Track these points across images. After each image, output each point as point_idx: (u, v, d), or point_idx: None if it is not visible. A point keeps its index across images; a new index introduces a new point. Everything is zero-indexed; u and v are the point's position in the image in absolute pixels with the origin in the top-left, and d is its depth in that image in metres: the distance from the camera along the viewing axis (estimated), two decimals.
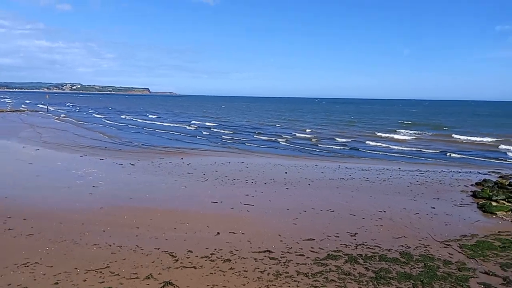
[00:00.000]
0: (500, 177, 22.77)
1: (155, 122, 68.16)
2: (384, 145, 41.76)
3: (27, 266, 9.64)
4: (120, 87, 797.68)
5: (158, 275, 9.38)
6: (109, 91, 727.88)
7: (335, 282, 9.24)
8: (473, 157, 34.05)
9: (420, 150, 37.93)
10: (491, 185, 19.85)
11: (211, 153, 32.40)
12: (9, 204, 14.93)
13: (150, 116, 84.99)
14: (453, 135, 51.44)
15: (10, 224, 12.58)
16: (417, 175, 23.19)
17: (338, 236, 12.44)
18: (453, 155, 35.09)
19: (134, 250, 10.89)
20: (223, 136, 47.47)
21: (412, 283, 9.24)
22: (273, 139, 45.99)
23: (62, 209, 14.44)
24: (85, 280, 8.97)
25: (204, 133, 51.68)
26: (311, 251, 11.18)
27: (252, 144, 40.43)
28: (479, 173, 24.68)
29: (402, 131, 56.98)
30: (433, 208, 16.03)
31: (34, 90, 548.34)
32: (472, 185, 20.65)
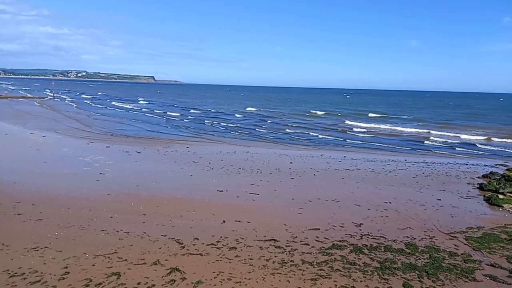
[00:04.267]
0: (507, 169, 22.60)
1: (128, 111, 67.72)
2: (330, 136, 41.24)
3: (37, 250, 9.80)
4: (126, 75, 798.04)
5: (165, 261, 9.49)
6: (115, 79, 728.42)
7: (340, 271, 9.30)
8: (398, 146, 35.35)
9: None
10: (498, 177, 19.73)
11: (216, 142, 32.47)
12: (18, 189, 15.12)
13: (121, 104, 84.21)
14: (394, 127, 52.22)
15: (19, 209, 12.75)
16: (423, 167, 23.10)
17: (343, 226, 12.48)
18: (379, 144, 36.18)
19: (142, 236, 11.02)
20: (184, 125, 47.98)
21: (417, 274, 9.28)
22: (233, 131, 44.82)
23: (69, 195, 14.59)
24: (93, 265, 9.11)
25: (165, 120, 52.88)
26: (316, 240, 11.24)
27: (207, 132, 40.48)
28: (486, 165, 24.54)
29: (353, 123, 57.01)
30: (439, 199, 15.99)
31: (40, 77, 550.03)
32: (478, 177, 20.55)
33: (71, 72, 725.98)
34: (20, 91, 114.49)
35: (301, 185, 17.80)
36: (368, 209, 14.46)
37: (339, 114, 72.47)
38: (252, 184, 17.55)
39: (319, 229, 12.16)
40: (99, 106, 74.58)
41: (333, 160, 24.70)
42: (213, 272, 9.03)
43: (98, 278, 8.54)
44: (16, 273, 8.60)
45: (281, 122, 54.81)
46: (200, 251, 10.17)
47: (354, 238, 11.53)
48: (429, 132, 46.71)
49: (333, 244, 10.98)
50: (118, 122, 45.90)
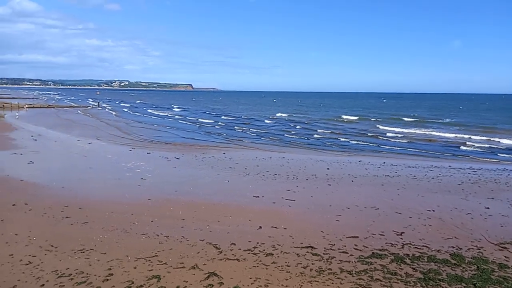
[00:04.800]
0: None
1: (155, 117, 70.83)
2: (362, 142, 39.99)
3: (83, 252, 10.28)
4: (165, 83, 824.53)
5: (203, 265, 9.63)
6: (154, 87, 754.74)
7: (381, 281, 9.00)
8: (437, 152, 33.85)
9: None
10: None
11: (250, 148, 32.67)
12: (66, 194, 15.99)
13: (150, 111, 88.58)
14: (430, 132, 49.86)
15: (67, 213, 13.46)
16: (469, 173, 21.95)
17: (383, 235, 12.09)
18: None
19: (180, 240, 11.27)
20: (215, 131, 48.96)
21: (464, 286, 8.79)
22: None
23: (113, 200, 15.23)
24: (135, 268, 9.43)
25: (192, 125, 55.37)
26: (355, 248, 10.96)
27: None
28: None
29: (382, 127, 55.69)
30: (487, 208, 15.11)
31: (86, 87, 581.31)
32: None
33: (115, 82, 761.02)
34: (65, 101, 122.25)
35: (339, 191, 17.49)
36: (410, 217, 13.93)
37: (372, 119, 70.62)
38: (288, 190, 17.46)
39: (357, 237, 11.86)
40: (136, 114, 77.64)
41: (371, 166, 24.07)
42: (250, 278, 9.04)
43: (140, 280, 8.81)
44: (63, 273, 9.06)
45: (311, 128, 54.33)
46: (237, 257, 10.23)
47: (395, 247, 11.14)
48: (470, 138, 44.06)
49: (373, 252, 10.66)
50: (154, 129, 47.58)
